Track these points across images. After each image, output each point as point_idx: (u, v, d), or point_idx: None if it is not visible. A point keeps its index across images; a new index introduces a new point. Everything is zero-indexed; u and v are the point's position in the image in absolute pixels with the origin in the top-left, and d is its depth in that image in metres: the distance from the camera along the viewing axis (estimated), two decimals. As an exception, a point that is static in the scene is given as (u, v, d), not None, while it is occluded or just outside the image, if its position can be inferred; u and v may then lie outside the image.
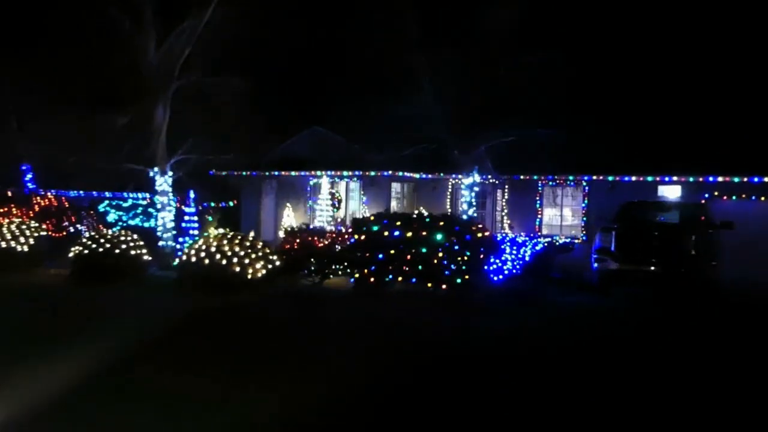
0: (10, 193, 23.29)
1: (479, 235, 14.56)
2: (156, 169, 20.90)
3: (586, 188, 26.39)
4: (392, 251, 14.54)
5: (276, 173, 28.94)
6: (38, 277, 18.41)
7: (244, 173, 29.06)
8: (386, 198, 28.21)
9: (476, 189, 21.80)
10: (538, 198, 27.29)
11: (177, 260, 20.51)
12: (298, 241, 18.19)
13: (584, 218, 26.32)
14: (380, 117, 23.44)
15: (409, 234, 14.47)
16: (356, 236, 15.17)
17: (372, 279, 14.92)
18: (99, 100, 20.34)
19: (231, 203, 34.55)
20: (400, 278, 14.69)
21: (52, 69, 19.90)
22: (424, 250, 14.38)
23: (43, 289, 16.58)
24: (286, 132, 27.56)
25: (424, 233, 14.38)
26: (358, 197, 28.75)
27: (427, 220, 14.91)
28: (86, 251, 18.04)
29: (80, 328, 11.69)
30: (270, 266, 16.97)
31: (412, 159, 25.43)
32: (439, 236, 14.37)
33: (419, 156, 25.03)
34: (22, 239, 19.50)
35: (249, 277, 16.46)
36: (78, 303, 14.52)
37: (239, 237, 17.28)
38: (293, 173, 28.13)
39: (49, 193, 24.14)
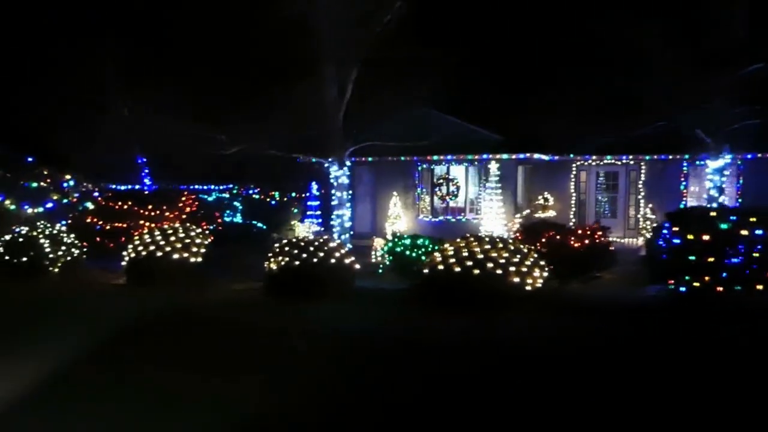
0: (147, 191, 19.24)
1: None
2: (331, 158, 17.53)
3: (741, 166, 23.78)
4: (756, 254, 11.71)
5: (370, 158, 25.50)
6: (229, 294, 15.00)
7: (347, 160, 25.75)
8: (512, 182, 25.44)
9: (727, 173, 18.96)
10: (682, 179, 24.70)
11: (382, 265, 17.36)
12: (543, 240, 15.17)
13: (739, 200, 23.68)
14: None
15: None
16: (687, 235, 12.26)
17: (720, 288, 12.04)
18: (261, 80, 16.93)
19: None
20: (759, 286, 11.86)
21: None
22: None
23: (268, 312, 13.26)
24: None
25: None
26: (477, 183, 25.95)
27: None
28: (296, 261, 14.65)
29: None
30: (545, 274, 13.95)
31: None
32: (816, 233, 11.60)
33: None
34: (194, 248, 15.99)
35: (528, 288, 13.43)
36: (368, 335, 11.22)
37: (499, 240, 14.19)
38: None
39: (186, 190, 20.37)
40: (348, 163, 17.86)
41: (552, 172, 26.80)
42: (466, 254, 13.51)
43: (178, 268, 15.68)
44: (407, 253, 16.52)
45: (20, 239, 16.85)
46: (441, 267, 13.62)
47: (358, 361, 9.39)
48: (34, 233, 17.00)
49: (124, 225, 17.88)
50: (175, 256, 15.64)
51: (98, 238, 18.05)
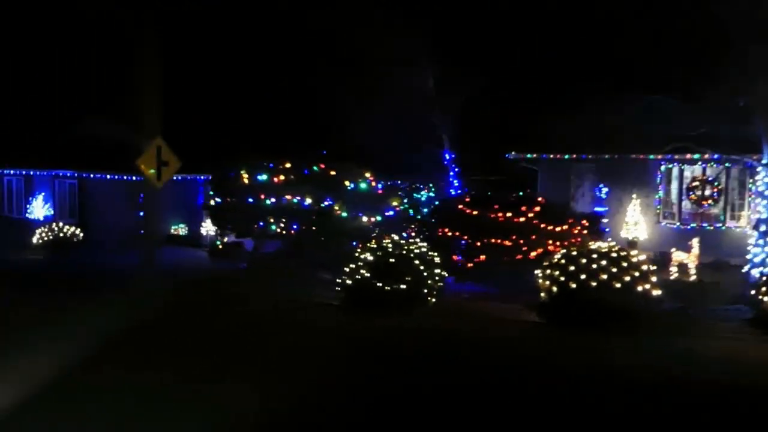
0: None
1: None
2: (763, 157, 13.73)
3: None
4: None
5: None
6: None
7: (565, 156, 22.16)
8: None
9: None
10: None
11: None
12: None
13: None
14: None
15: None
16: None
17: None
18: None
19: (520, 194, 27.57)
20: None
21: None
22: None
23: None
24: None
25: None
26: (739, 186, 22.44)
27: None
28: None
29: None
30: None
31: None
32: None
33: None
34: (651, 276, 12.23)
35: None
36: None
37: None
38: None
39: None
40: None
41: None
42: None
43: (636, 304, 11.91)
44: None
45: (391, 259, 12.89)
46: None
47: None
48: (404, 251, 13.05)
49: (504, 242, 13.85)
50: (639, 288, 11.86)
51: (454, 256, 14.10)
